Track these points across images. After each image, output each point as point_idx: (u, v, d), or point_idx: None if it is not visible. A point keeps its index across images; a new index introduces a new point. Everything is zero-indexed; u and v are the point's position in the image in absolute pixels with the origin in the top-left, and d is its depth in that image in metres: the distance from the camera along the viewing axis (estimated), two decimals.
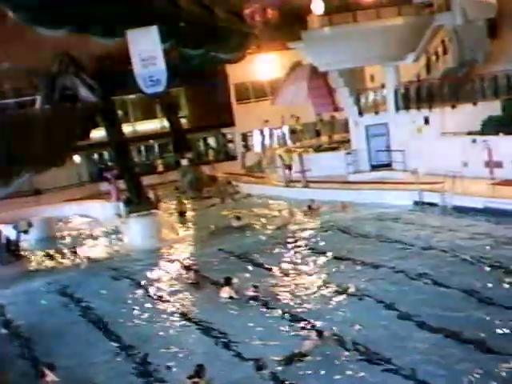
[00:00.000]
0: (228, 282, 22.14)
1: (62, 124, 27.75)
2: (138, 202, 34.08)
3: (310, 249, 27.09)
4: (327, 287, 21.84)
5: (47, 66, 29.05)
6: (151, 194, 36.71)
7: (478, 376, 14.66)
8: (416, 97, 37.03)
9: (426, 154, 34.13)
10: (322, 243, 27.67)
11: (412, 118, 36.61)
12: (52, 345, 20.02)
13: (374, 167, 38.80)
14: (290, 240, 28.86)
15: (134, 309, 22.37)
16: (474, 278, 20.59)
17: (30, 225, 31.10)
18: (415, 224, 28.87)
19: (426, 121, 35.96)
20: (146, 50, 28.25)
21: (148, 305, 22.74)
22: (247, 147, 56.88)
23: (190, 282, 24.50)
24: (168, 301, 22.85)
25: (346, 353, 16.62)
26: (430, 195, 31.46)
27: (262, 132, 56.46)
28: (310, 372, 15.99)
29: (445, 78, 38.02)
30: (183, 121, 54.19)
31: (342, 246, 26.72)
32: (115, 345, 19.39)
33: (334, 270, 23.74)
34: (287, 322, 19.27)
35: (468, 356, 15.68)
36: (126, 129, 42.60)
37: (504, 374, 14.65)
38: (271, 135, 56.50)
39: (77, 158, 51.74)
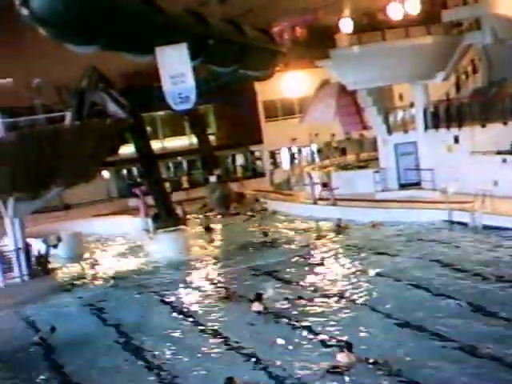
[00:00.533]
0: (259, 297, 22.14)
1: (91, 140, 27.94)
2: (166, 217, 34.25)
3: (339, 266, 26.97)
4: (355, 304, 21.71)
5: (77, 82, 29.36)
6: (179, 210, 36.84)
7: None
8: (445, 116, 36.82)
9: (455, 173, 33.89)
10: (352, 261, 27.53)
11: (441, 137, 36.41)
12: (77, 358, 20.05)
13: (403, 186, 38.60)
14: (317, 257, 28.79)
15: (162, 325, 22.27)
16: None
17: (59, 239, 31.33)
18: (445, 243, 28.60)
19: (456, 140, 35.74)
20: (176, 68, 28.51)
21: (176, 320, 22.69)
22: (275, 164, 56.90)
23: (221, 296, 24.51)
24: (196, 316, 22.77)
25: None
26: (459, 214, 31.20)
27: (290, 149, 56.53)
28: None
29: (474, 96, 37.80)
30: (211, 138, 54.34)
31: (370, 264, 26.55)
32: (143, 363, 19.19)
33: (364, 287, 23.57)
34: (315, 338, 19.15)
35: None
36: (155, 145, 42.82)
37: None
38: (299, 153, 56.56)
39: (106, 174, 52.06)
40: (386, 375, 15.97)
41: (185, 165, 57.89)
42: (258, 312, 21.64)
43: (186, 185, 54.96)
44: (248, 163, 59.95)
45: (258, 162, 59.44)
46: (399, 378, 15.77)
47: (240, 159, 60.06)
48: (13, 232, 28.55)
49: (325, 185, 39.53)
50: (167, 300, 25.38)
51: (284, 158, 57.30)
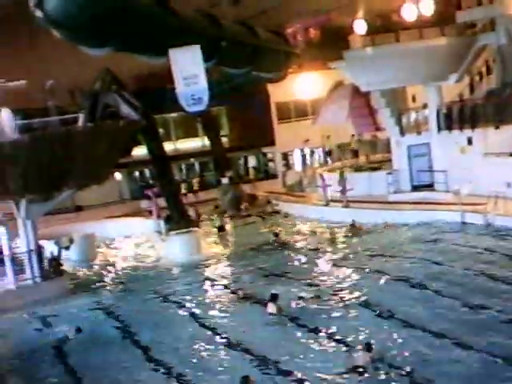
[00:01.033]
0: (274, 298, 22.07)
1: (103, 142, 27.94)
2: (178, 219, 34.24)
3: (353, 268, 26.82)
4: (368, 307, 21.59)
5: (90, 84, 29.39)
6: (191, 212, 36.75)
7: None
8: (459, 117, 36.64)
9: (468, 175, 33.71)
10: (366, 261, 27.48)
11: (454, 139, 36.25)
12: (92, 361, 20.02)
13: (416, 187, 38.44)
14: (329, 258, 28.75)
15: (175, 327, 22.26)
16: None
17: (71, 241, 31.37)
18: (459, 245, 28.43)
19: (469, 141, 35.57)
20: (189, 69, 28.50)
21: (190, 323, 22.63)
22: (288, 166, 56.82)
23: (237, 297, 24.52)
24: (210, 318, 22.69)
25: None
26: (472, 216, 31.04)
27: (302, 151, 56.44)
28: None
29: (488, 98, 37.60)
30: (224, 139, 54.32)
31: (383, 266, 26.44)
32: (157, 367, 19.03)
33: (377, 289, 23.48)
34: (331, 339, 19.12)
35: None
36: (167, 147, 42.81)
37: None
38: (312, 154, 56.46)
39: (118, 176, 52.09)
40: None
41: (197, 166, 57.89)
42: (273, 313, 21.60)
43: (195, 187, 54.80)
44: (260, 165, 59.89)
45: (271, 164, 59.38)
46: None
47: (252, 161, 60.01)
48: (25, 234, 28.56)
49: (343, 186, 39.25)
50: (178, 301, 25.30)
51: (296, 160, 57.20)
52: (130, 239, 39.08)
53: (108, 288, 29.14)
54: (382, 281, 24.49)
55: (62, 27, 24.13)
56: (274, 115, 56.09)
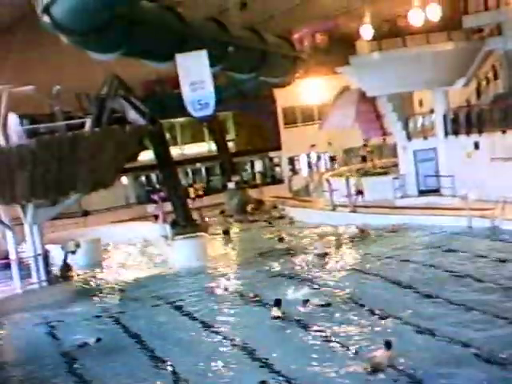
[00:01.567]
0: (278, 303, 22.09)
1: (110, 146, 27.97)
2: (184, 224, 34.24)
3: (359, 272, 26.84)
4: (374, 313, 21.51)
5: (97, 89, 29.42)
6: (197, 216, 36.73)
7: None
8: (466, 122, 36.62)
9: (475, 180, 33.66)
10: (373, 266, 27.46)
11: (461, 143, 36.21)
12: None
13: (422, 192, 38.40)
14: (337, 263, 28.74)
15: (181, 332, 22.17)
16: None
17: (77, 245, 31.31)
18: (464, 251, 28.35)
19: (476, 146, 35.53)
20: (195, 74, 28.50)
21: (196, 328, 22.54)
22: (294, 171, 56.83)
23: (251, 300, 24.59)
24: (216, 323, 22.62)
25: None
26: (479, 221, 30.96)
27: (308, 156, 56.44)
28: None
29: (495, 103, 37.56)
30: (230, 144, 54.35)
31: (391, 270, 26.44)
32: (164, 372, 18.97)
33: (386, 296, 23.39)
34: (337, 343, 19.11)
35: None
36: (174, 151, 42.84)
37: None
38: (318, 159, 56.48)
39: (124, 180, 52.13)
40: None
41: (203, 171, 57.90)
42: (277, 317, 21.61)
43: (200, 191, 54.62)
44: (267, 170, 59.89)
45: (277, 169, 59.38)
46: None
47: (259, 166, 60.01)
48: (31, 238, 28.59)
49: (359, 192, 39.28)
50: (184, 306, 25.27)
51: (303, 165, 57.22)
52: (136, 244, 39.05)
53: (113, 293, 29.07)
54: (390, 283, 24.49)
55: (69, 33, 24.19)
56: (281, 120, 56.20)
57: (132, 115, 29.49)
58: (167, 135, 44.24)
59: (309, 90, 53.99)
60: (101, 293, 29.21)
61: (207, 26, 30.92)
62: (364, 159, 50.66)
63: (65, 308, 26.93)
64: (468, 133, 36.13)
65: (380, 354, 16.97)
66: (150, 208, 46.17)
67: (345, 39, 37.17)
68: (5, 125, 26.81)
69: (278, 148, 56.66)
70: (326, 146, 53.14)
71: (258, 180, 57.51)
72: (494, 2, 35.77)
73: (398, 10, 35.62)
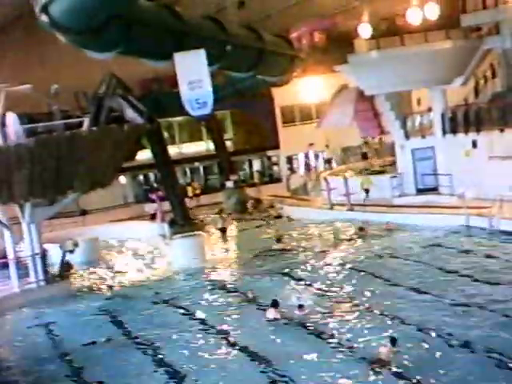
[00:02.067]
0: (275, 304, 22.05)
1: (108, 145, 27.95)
2: (182, 223, 34.22)
3: (358, 271, 26.81)
4: (372, 313, 21.52)
5: (95, 88, 29.38)
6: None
7: None
8: (463, 120, 36.65)
9: (473, 178, 33.68)
10: (370, 266, 27.40)
11: (459, 142, 36.23)
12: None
13: (420, 191, 38.43)
14: (336, 262, 28.66)
15: (177, 331, 22.11)
16: None
17: (75, 245, 31.26)
18: (461, 249, 28.37)
19: (474, 144, 35.56)
20: (193, 73, 28.42)
21: (192, 327, 22.51)
22: (292, 170, 56.84)
23: (248, 300, 24.57)
24: (213, 323, 22.61)
25: None
26: (477, 219, 30.98)
27: (306, 155, 56.44)
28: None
29: (493, 101, 37.59)
30: (228, 143, 54.33)
31: (390, 269, 26.43)
32: (162, 370, 19.00)
33: (385, 296, 23.35)
34: (333, 345, 19.07)
35: None
36: (172, 150, 42.82)
37: None
38: (316, 158, 56.48)
39: (122, 179, 52.09)
40: None
41: (202, 170, 57.85)
42: (274, 319, 21.56)
43: (198, 191, 54.61)
44: (265, 168, 59.85)
45: (275, 168, 59.36)
46: None
47: (257, 164, 59.98)
48: (29, 237, 28.58)
49: (367, 191, 39.27)
50: (183, 306, 25.23)
51: (301, 164, 57.22)
52: (134, 243, 39.01)
53: (111, 292, 29.07)
54: (389, 284, 24.48)
55: (67, 31, 24.12)
56: (279, 119, 56.21)
57: (130, 114, 29.44)
58: (165, 134, 44.24)
59: (307, 88, 54.01)
60: (98, 292, 29.20)
61: (205, 25, 30.84)
62: (365, 157, 50.67)
63: (63, 307, 26.90)
64: (466, 131, 36.18)
65: (385, 350, 16.99)
66: (148, 207, 46.15)
67: (343, 38, 37.14)
68: (3, 124, 26.80)
69: (276, 147, 56.66)
70: (323, 145, 53.05)
71: (256, 179, 57.45)
72: (492, 0, 35.81)
73: (397, 9, 35.60)
